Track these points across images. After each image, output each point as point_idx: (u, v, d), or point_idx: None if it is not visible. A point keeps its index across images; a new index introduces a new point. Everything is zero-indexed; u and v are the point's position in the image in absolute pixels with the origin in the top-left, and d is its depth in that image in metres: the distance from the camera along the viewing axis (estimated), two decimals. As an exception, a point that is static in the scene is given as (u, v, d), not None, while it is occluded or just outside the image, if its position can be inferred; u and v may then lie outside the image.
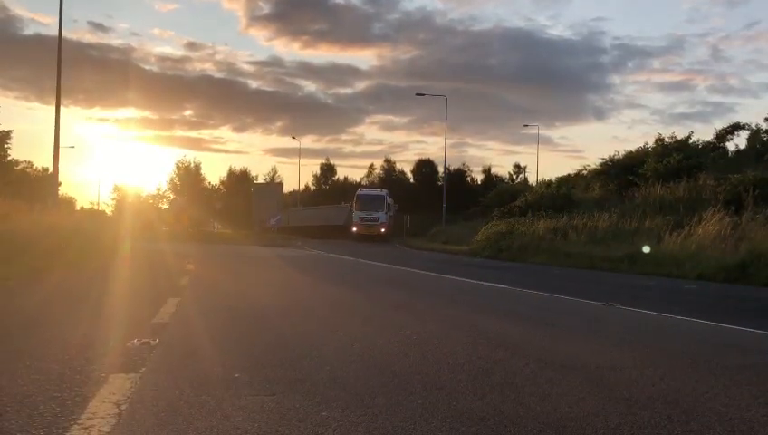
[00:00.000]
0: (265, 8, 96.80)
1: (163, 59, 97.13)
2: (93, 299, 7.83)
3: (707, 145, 31.09)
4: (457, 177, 62.67)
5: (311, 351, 4.73)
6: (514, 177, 65.53)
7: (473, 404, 3.41)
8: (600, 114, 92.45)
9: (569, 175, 40.24)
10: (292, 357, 4.48)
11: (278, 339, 5.27)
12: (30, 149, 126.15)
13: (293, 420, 3.04)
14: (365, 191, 49.41)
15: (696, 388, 3.91)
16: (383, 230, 43.54)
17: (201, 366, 4.14)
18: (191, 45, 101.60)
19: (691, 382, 4.05)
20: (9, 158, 41.13)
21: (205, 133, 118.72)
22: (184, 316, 6.50)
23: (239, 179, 68.66)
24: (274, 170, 73.06)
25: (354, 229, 43.92)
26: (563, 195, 30.36)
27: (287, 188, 62.04)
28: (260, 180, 65.61)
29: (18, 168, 47.66)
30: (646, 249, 17.82)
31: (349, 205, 48.40)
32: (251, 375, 3.89)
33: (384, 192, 47.83)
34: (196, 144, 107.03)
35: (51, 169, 23.59)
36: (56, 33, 21.95)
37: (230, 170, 71.99)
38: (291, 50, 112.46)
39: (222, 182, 71.24)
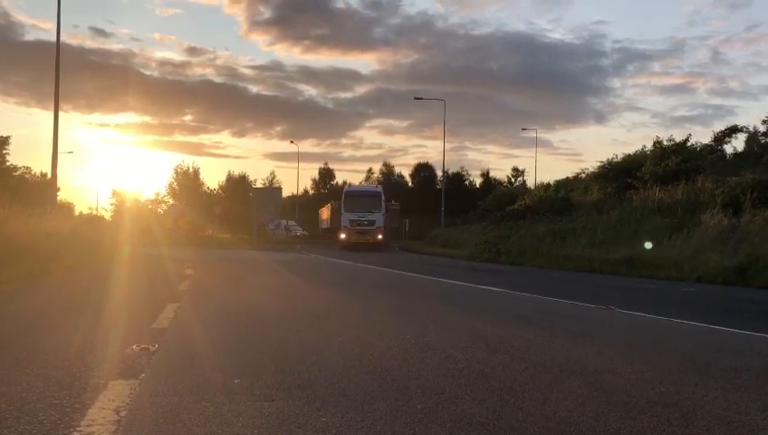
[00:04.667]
0: (266, 13, 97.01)
1: (163, 64, 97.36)
2: (92, 305, 7.83)
3: (705, 148, 31.15)
4: (456, 180, 62.90)
5: (310, 356, 4.73)
6: (513, 180, 65.73)
7: (472, 409, 3.41)
8: (599, 117, 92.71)
9: (567, 178, 40.33)
10: (292, 362, 4.48)
11: (277, 344, 5.26)
12: (30, 155, 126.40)
13: (293, 426, 3.04)
14: (355, 188, 41.43)
15: (695, 391, 3.91)
16: (380, 237, 35.52)
17: (200, 372, 4.13)
18: (192, 50, 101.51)
19: (690, 386, 4.05)
20: (8, 163, 41.18)
21: (205, 138, 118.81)
22: (183, 322, 6.50)
23: (238, 184, 68.73)
24: (273, 175, 73.25)
25: (342, 236, 35.56)
26: (562, 198, 30.41)
27: (286, 193, 62.03)
28: (258, 185, 65.65)
29: (17, 173, 47.67)
30: (648, 245, 17.86)
31: (337, 204, 41.02)
32: (250, 381, 3.89)
33: (380, 189, 39.86)
34: (197, 149, 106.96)
35: (49, 175, 23.59)
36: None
37: (229, 175, 72.11)
38: (291, 54, 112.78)
39: (221, 187, 71.31)
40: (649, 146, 29.48)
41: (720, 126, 79.27)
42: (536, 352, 5.11)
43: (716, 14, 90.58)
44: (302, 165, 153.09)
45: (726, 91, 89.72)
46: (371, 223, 35.55)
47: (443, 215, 42.40)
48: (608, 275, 17.24)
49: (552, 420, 3.25)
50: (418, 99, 50.05)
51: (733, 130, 33.52)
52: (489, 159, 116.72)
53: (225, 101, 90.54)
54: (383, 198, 37.55)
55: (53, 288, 10.16)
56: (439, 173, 60.27)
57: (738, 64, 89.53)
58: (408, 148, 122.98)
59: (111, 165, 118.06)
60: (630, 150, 35.91)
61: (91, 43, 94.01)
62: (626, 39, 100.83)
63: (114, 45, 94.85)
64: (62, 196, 53.35)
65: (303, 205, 62.02)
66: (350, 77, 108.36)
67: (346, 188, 41.07)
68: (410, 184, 67.99)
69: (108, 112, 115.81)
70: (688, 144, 28.48)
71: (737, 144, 33.72)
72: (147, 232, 37.12)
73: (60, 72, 21.81)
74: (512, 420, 3.22)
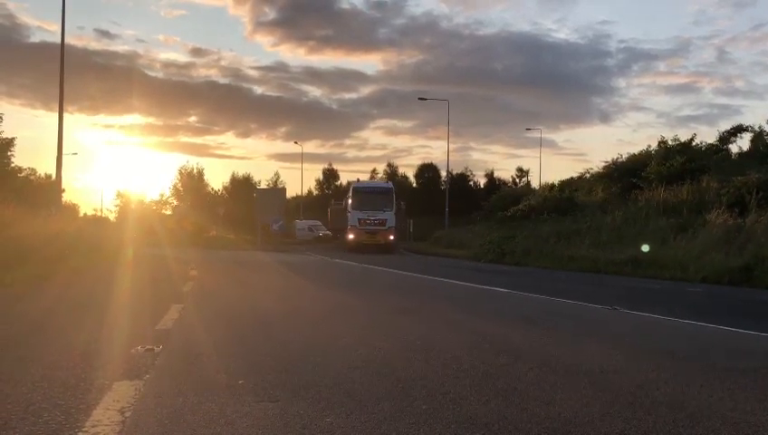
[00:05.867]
0: (271, 14, 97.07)
1: (168, 65, 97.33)
2: (97, 306, 7.84)
3: (710, 147, 31.04)
4: (460, 181, 62.81)
5: (314, 357, 4.73)
6: (517, 180, 65.67)
7: (477, 410, 3.40)
8: (604, 117, 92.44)
9: (572, 178, 40.22)
10: (296, 363, 4.48)
11: (281, 345, 5.26)
12: (35, 157, 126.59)
13: (297, 427, 3.03)
14: (364, 184, 37.52)
15: (701, 392, 3.90)
16: (391, 238, 32.39)
17: (205, 373, 4.13)
18: (196, 51, 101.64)
19: (696, 386, 4.04)
20: (12, 165, 41.25)
21: (209, 139, 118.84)
22: (187, 323, 6.50)
23: (242, 185, 68.78)
24: (277, 175, 73.28)
25: (350, 236, 32.40)
26: (567, 198, 30.37)
27: (290, 194, 62.03)
28: (263, 185, 65.72)
29: (22, 175, 47.75)
30: (645, 248, 17.85)
31: (342, 203, 38.36)
32: (254, 381, 3.89)
33: (391, 185, 36.83)
34: (201, 150, 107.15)
35: (54, 176, 23.64)
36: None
37: (233, 176, 72.20)
38: (296, 55, 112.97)
39: (225, 188, 71.38)
40: (654, 146, 29.45)
41: (726, 125, 78.68)
42: (541, 353, 5.10)
43: (722, 13, 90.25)
44: (306, 166, 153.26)
45: (732, 90, 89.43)
46: (382, 222, 32.18)
47: (447, 215, 42.34)
48: (613, 275, 17.21)
49: (557, 420, 3.24)
50: (422, 99, 49.98)
51: (738, 130, 33.33)
52: (493, 159, 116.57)
53: (230, 102, 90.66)
54: (395, 194, 34.22)
55: (59, 289, 10.18)
56: (443, 174, 60.24)
57: (744, 64, 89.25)
58: (412, 148, 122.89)
59: (116, 166, 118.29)
60: (635, 150, 35.86)
61: (95, 44, 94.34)
62: (631, 39, 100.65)
63: (119, 47, 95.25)
64: (66, 197, 53.38)
65: (308, 206, 62.06)
66: (355, 78, 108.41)
67: (354, 183, 36.22)
68: (414, 185, 67.95)
69: (112, 114, 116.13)
70: (693, 144, 28.44)
71: (743, 144, 33.53)
72: (151, 233, 37.19)
73: (64, 74, 21.91)
74: (517, 420, 3.21)
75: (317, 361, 4.58)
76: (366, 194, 33.67)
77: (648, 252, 18.04)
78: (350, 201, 33.85)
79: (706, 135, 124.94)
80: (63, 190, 28.17)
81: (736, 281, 14.26)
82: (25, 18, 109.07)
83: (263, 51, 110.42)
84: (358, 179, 40.13)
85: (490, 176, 68.01)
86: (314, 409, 3.33)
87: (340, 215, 38.47)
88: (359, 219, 32.32)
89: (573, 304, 9.45)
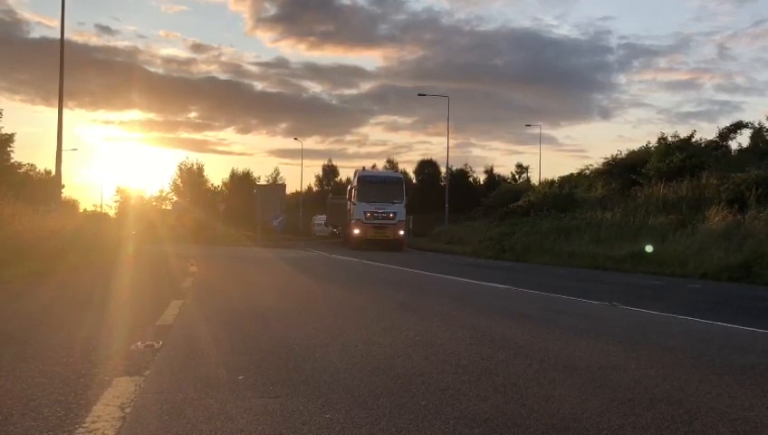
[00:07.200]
0: (272, 9, 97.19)
1: (168, 61, 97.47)
2: (96, 302, 7.85)
3: (710, 144, 31.05)
4: (460, 177, 62.94)
5: (314, 352, 4.74)
6: (517, 177, 65.72)
7: (476, 406, 3.41)
8: (605, 114, 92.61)
9: (572, 174, 40.28)
10: (296, 359, 4.49)
11: (281, 341, 5.27)
12: (35, 152, 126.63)
13: (297, 423, 3.04)
14: (372, 173, 34.17)
15: (700, 388, 3.90)
16: (401, 233, 29.59)
17: (205, 369, 4.14)
18: (197, 47, 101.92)
19: (694, 383, 4.05)
20: (12, 160, 41.23)
21: (209, 135, 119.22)
22: (187, 319, 6.51)
23: (242, 181, 68.83)
24: (277, 171, 73.34)
25: (356, 231, 29.54)
26: (566, 195, 30.42)
27: (290, 190, 62.02)
28: (262, 182, 65.73)
29: (21, 170, 47.71)
30: (648, 248, 17.86)
31: (340, 198, 36.39)
32: (254, 377, 3.90)
33: (401, 175, 35.00)
34: (201, 146, 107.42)
35: (54, 172, 23.63)
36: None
37: (233, 172, 72.23)
38: (296, 51, 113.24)
39: (225, 184, 71.40)
40: (654, 142, 29.49)
41: (726, 122, 78.71)
42: (540, 349, 5.11)
43: (723, 9, 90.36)
44: (306, 162, 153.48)
45: (732, 86, 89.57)
46: (392, 216, 29.42)
47: (447, 211, 42.33)
48: (612, 271, 17.23)
49: (556, 416, 3.25)
50: (422, 95, 49.91)
51: (738, 126, 33.35)
52: (494, 155, 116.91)
53: (230, 97, 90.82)
54: (404, 185, 31.50)
55: (58, 285, 10.19)
56: (443, 170, 60.32)
57: (744, 60, 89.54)
58: (412, 144, 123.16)
59: (116, 162, 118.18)
60: (635, 147, 35.82)
61: (96, 40, 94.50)
62: (632, 35, 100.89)
63: (119, 42, 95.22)
64: (66, 193, 53.49)
65: (307, 202, 62.04)
66: (355, 74, 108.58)
67: (360, 172, 32.58)
68: (414, 181, 68.01)
69: (112, 110, 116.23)
70: (693, 140, 28.44)
71: (742, 140, 33.57)
72: (151, 229, 37.18)
73: (64, 70, 21.87)
74: (515, 416, 3.22)
75: (317, 356, 4.59)
76: (373, 184, 30.67)
77: (649, 249, 18.07)
78: (354, 192, 30.83)
79: (706, 131, 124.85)
80: (63, 186, 28.18)
81: (736, 277, 14.28)
82: (25, 14, 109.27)
83: (263, 47, 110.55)
84: (363, 168, 36.22)
85: (490, 172, 68.22)
86: (314, 404, 3.34)
87: (340, 210, 37.72)
88: (365, 212, 29.40)
89: (572, 300, 9.45)
